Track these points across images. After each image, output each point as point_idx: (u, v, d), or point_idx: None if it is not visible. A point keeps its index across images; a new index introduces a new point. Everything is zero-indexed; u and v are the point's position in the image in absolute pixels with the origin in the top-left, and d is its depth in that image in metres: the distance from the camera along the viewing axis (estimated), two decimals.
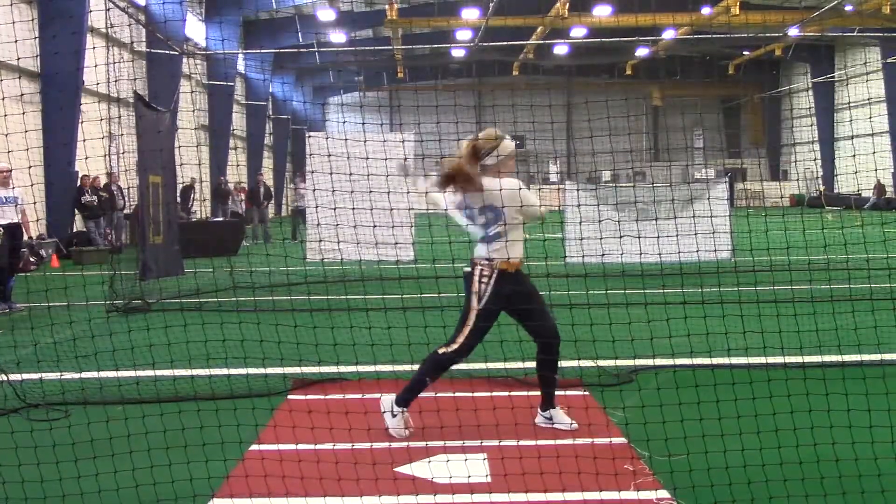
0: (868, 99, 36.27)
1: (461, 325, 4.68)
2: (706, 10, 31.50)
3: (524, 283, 4.75)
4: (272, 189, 27.08)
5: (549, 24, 32.42)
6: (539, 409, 4.92)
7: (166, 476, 3.93)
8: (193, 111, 27.82)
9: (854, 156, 29.19)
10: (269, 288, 10.68)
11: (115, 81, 20.23)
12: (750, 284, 9.49)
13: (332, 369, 5.74)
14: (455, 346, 4.67)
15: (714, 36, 34.34)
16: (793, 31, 30.83)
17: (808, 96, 44.73)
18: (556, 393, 4.94)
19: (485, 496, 3.85)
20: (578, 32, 33.96)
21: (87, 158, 13.56)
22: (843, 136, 39.68)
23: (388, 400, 4.83)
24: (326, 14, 33.06)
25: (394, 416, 4.78)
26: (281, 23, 35.13)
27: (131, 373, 5.80)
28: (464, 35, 35.13)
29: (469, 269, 4.73)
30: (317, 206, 11.15)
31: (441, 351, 4.70)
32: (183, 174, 19.51)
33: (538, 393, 5.02)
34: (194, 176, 22.42)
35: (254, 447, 4.56)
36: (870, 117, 34.39)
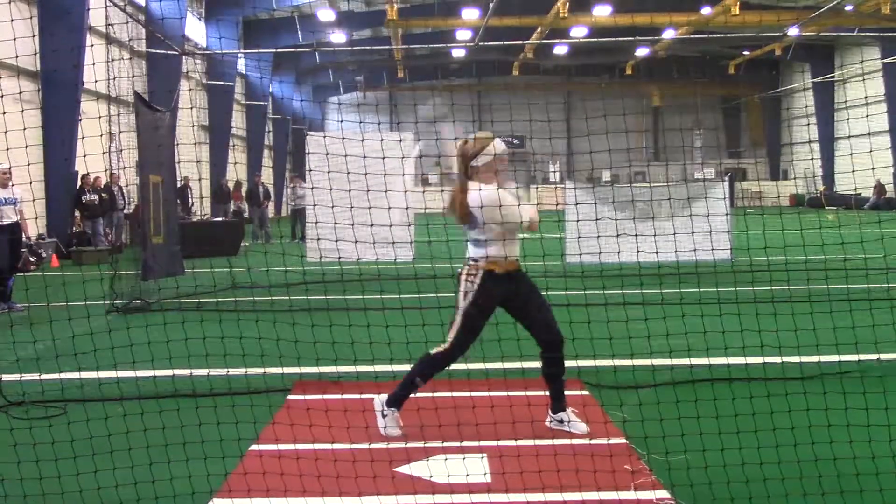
0: (867, 99, 36.26)
1: (451, 325, 4.71)
2: (706, 10, 31.49)
3: (517, 283, 4.71)
4: (270, 189, 27.16)
5: (548, 24, 32.42)
6: (550, 412, 4.88)
7: (165, 474, 3.94)
8: (192, 109, 27.77)
9: (852, 155, 29.20)
10: (269, 288, 10.69)
11: (115, 79, 20.22)
12: (749, 284, 9.49)
13: (331, 369, 5.74)
14: (445, 347, 4.68)
15: (714, 36, 34.33)
16: (793, 31, 30.82)
17: (807, 96, 44.73)
18: None
19: (483, 496, 3.85)
20: (578, 32, 33.95)
21: (85, 156, 13.53)
22: (843, 136, 39.69)
23: (379, 400, 4.84)
24: (326, 14, 33.04)
25: (384, 416, 4.79)
26: (281, 23, 35.11)
27: (130, 373, 5.80)
28: (464, 35, 35.11)
29: (461, 269, 4.76)
30: (314, 206, 11.15)
31: (434, 351, 4.73)
32: (180, 174, 19.51)
33: (537, 392, 5.02)
34: (188, 175, 22.44)
35: (254, 447, 4.56)
36: (867, 116, 34.38)
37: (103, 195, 18.84)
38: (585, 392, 5.62)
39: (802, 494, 3.70)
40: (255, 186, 23.95)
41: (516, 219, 4.62)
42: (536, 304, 4.74)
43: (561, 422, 4.82)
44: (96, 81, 15.92)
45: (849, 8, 29.57)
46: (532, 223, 4.72)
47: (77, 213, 18.92)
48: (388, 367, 5.70)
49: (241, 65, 35.60)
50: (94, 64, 17.88)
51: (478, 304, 4.64)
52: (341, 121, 32.87)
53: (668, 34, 33.19)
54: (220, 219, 23.14)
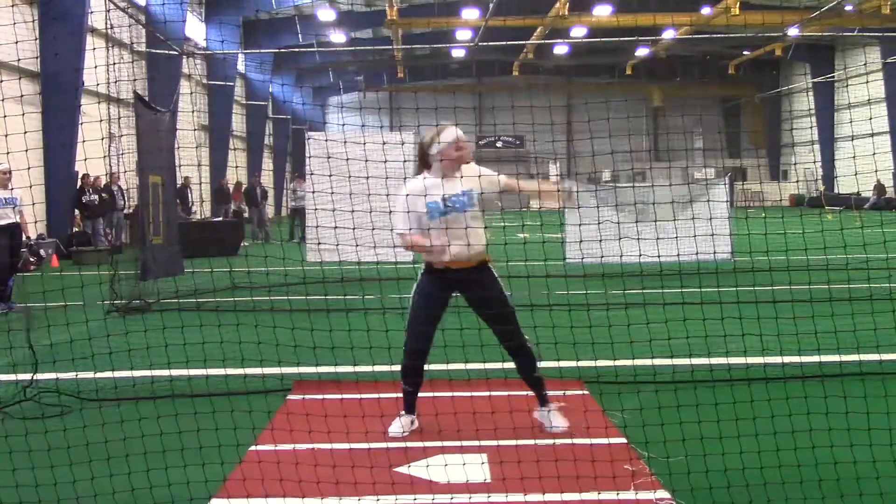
0: (868, 99, 36.24)
1: None
2: (706, 10, 31.48)
3: (465, 283, 4.63)
4: (268, 190, 27.22)
5: (548, 24, 32.40)
6: (538, 405, 4.91)
7: (163, 479, 3.92)
8: (193, 111, 27.76)
9: (854, 157, 29.18)
10: (268, 288, 10.67)
11: (115, 82, 20.18)
12: (750, 285, 9.47)
13: (331, 370, 5.73)
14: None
15: (714, 36, 34.32)
16: (793, 31, 30.82)
17: (808, 96, 44.70)
18: (557, 393, 4.93)
19: (483, 497, 3.84)
20: (578, 32, 33.94)
21: (86, 159, 13.54)
22: (843, 137, 39.68)
23: None
24: (326, 14, 33.03)
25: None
26: (281, 23, 35.10)
27: (128, 373, 5.79)
28: (464, 35, 35.10)
29: None
30: (315, 208, 11.13)
31: None
32: (181, 174, 19.50)
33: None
34: (188, 175, 22.44)
35: (253, 447, 4.55)
36: (870, 118, 34.36)
37: (103, 195, 18.84)
38: (586, 392, 5.61)
39: (803, 499, 3.68)
40: (253, 187, 23.98)
41: (394, 227, 4.64)
42: (493, 311, 4.65)
43: (542, 417, 4.83)
44: (98, 85, 15.86)
45: (849, 8, 29.55)
46: (405, 243, 4.63)
47: (77, 213, 18.91)
48: (387, 368, 5.68)
49: (241, 65, 35.59)
50: (95, 68, 17.87)
51: (414, 298, 4.67)
52: (343, 123, 32.85)
53: (669, 34, 33.19)
54: (219, 219, 23.15)
